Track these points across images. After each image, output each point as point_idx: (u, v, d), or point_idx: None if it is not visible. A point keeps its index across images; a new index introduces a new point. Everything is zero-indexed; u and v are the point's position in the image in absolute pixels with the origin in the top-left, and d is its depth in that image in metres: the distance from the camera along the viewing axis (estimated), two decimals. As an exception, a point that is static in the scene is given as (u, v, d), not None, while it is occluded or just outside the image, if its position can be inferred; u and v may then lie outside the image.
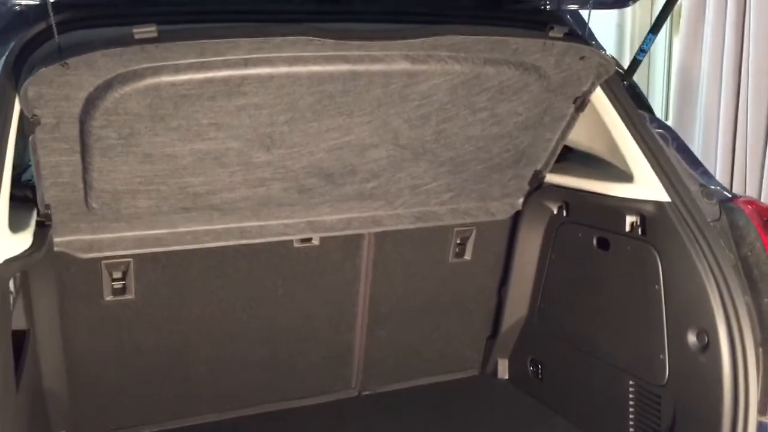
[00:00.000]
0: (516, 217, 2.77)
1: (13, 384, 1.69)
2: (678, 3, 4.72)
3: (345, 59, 1.92)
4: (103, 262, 2.32)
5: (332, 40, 1.84)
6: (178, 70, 1.79)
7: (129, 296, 2.40)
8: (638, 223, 2.26)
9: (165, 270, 2.42)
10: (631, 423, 2.30)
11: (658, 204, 2.17)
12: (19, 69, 1.79)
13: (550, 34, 2.04)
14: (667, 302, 2.14)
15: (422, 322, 2.86)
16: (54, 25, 1.69)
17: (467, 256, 2.83)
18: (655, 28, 2.39)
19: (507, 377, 2.94)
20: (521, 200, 2.71)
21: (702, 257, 2.04)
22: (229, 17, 1.95)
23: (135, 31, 1.66)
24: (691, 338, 2.06)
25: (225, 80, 1.85)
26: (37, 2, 1.81)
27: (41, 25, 1.83)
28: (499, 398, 2.82)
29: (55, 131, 1.85)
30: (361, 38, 1.87)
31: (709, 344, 2.00)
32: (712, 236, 2.06)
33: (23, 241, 1.82)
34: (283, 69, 1.88)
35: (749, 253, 2.04)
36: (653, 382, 2.19)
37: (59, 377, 2.29)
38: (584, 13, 2.40)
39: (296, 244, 2.55)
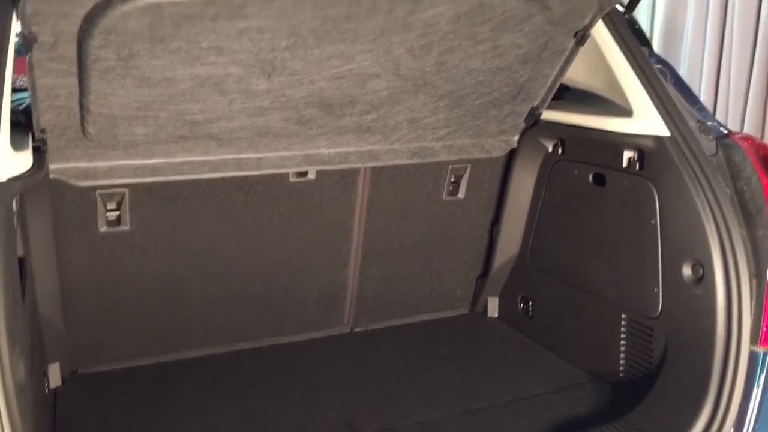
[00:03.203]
0: (510, 156, 2.78)
1: (20, 297, 1.68)
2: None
3: None
4: (98, 191, 2.29)
5: None
6: None
7: (124, 227, 2.37)
8: (635, 158, 2.27)
9: (160, 202, 2.40)
10: (622, 356, 2.34)
11: (657, 138, 2.18)
12: None
13: None
14: (663, 236, 2.16)
15: (414, 260, 2.88)
16: None
17: (461, 194, 2.83)
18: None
19: (497, 315, 2.98)
20: (516, 137, 2.71)
21: (700, 191, 2.06)
22: None
23: None
24: (686, 271, 2.09)
25: (227, 1, 1.81)
26: None
27: None
28: (490, 335, 2.86)
29: (53, 51, 1.80)
30: None
31: (703, 276, 2.03)
32: (710, 170, 2.08)
33: (24, 160, 1.78)
34: None
35: (745, 188, 2.07)
36: (646, 314, 2.23)
37: (54, 307, 2.28)
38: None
39: (292, 179, 2.53)
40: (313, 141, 2.39)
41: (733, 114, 4.68)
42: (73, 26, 1.76)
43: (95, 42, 1.79)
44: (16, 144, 1.76)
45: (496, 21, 2.12)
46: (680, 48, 4.99)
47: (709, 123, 2.25)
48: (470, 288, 3.02)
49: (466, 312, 3.04)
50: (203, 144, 2.24)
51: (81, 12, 1.73)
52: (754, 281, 1.98)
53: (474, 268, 2.99)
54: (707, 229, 2.02)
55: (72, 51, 1.82)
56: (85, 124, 2.03)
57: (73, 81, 1.91)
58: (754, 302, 1.97)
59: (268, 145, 2.34)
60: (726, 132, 2.24)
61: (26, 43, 1.75)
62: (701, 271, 2.04)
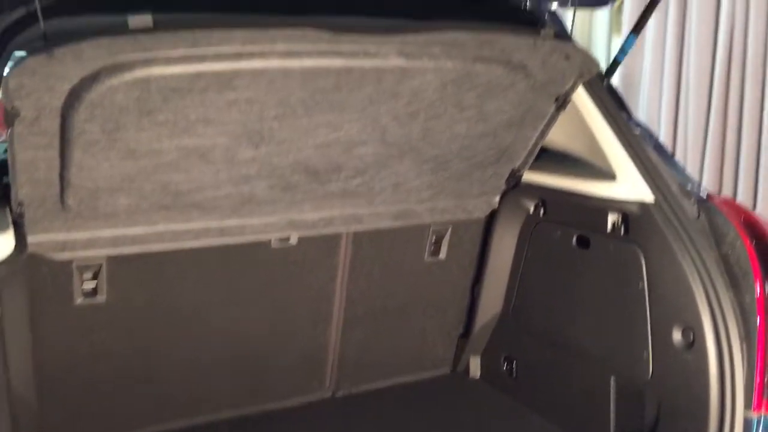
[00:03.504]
0: (491, 216, 2.78)
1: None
2: (620, 2, 4.86)
3: (339, 54, 1.88)
4: (75, 262, 2.21)
5: (328, 34, 1.80)
6: (169, 62, 1.71)
7: (100, 298, 2.29)
8: (620, 222, 2.29)
9: (138, 271, 2.33)
10: (612, 419, 2.33)
11: (642, 204, 2.20)
12: None
13: (541, 33, 2.05)
14: (651, 300, 2.17)
15: (396, 322, 2.84)
16: (39, 10, 1.59)
17: (442, 255, 2.82)
18: (636, 29, 2.42)
19: (479, 375, 2.95)
20: (497, 198, 2.71)
21: (687, 256, 2.08)
22: (218, 6, 1.88)
23: (130, 20, 1.57)
24: (676, 336, 2.09)
25: (217, 74, 1.78)
26: None
27: (21, 11, 1.72)
28: (474, 397, 2.82)
29: (35, 124, 1.74)
30: (359, 32, 1.83)
31: (694, 341, 2.03)
32: (696, 235, 2.10)
33: (7, 242, 1.71)
34: (275, 63, 1.83)
35: (730, 252, 2.09)
36: (636, 378, 2.23)
37: (27, 383, 2.17)
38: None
39: (274, 244, 2.49)
40: (297, 206, 2.35)
41: (692, 166, 4.79)
42: (58, 100, 1.71)
43: (80, 116, 1.75)
44: None
45: (481, 89, 2.13)
46: (637, 100, 5.11)
47: (689, 186, 2.29)
48: (452, 347, 2.99)
49: (448, 372, 3.00)
50: (186, 212, 2.19)
51: (66, 86, 1.69)
52: (744, 345, 2.00)
53: (456, 327, 2.97)
54: (696, 294, 2.04)
55: (55, 124, 1.77)
56: (65, 196, 1.97)
57: (54, 154, 1.85)
58: (745, 367, 1.98)
59: (252, 212, 2.30)
60: (706, 195, 2.28)
61: (8, 118, 1.70)
62: (692, 336, 2.04)
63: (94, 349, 2.33)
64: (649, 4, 2.37)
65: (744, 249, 2.07)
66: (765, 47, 4.41)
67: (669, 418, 2.10)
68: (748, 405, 1.96)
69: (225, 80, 1.80)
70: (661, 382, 2.14)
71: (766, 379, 1.98)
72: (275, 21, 1.78)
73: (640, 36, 4.94)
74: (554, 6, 2.37)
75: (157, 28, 1.61)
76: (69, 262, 2.20)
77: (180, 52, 1.70)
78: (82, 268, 2.24)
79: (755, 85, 4.46)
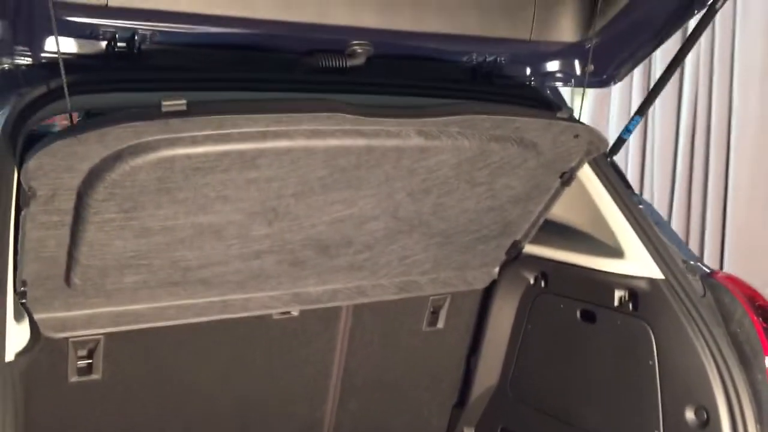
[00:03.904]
0: (490, 286, 2.76)
1: None
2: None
3: (362, 134, 1.87)
4: (71, 339, 2.11)
5: (354, 115, 1.79)
6: (195, 142, 1.67)
7: (95, 376, 2.19)
8: (627, 298, 2.30)
9: (136, 347, 2.23)
10: (620, 499, 2.31)
11: (651, 281, 2.22)
12: (17, 137, 1.61)
13: (558, 115, 2.08)
14: (662, 378, 2.17)
15: (392, 392, 2.79)
16: (66, 89, 1.53)
17: (440, 324, 2.79)
18: (641, 111, 2.48)
19: (473, 446, 2.90)
20: (497, 269, 2.70)
21: (698, 333, 2.09)
22: (243, 86, 1.86)
23: (164, 103, 1.53)
24: (689, 415, 2.09)
25: (241, 153, 1.75)
26: (44, 61, 1.64)
27: (42, 88, 1.66)
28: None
29: (49, 203, 1.67)
30: (383, 114, 1.83)
31: (709, 421, 2.04)
32: (706, 313, 2.12)
33: (26, 330, 1.62)
34: (301, 142, 1.80)
35: (738, 330, 2.11)
36: (647, 456, 2.22)
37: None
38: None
39: (275, 316, 2.43)
40: (302, 280, 2.31)
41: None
42: (76, 180, 1.65)
43: (98, 195, 1.68)
44: (15, 312, 1.60)
45: (494, 166, 2.14)
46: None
47: (692, 262, 2.32)
48: (446, 417, 2.94)
49: (442, 443, 2.95)
50: (191, 288, 2.12)
51: (86, 166, 1.63)
52: (758, 427, 2.00)
53: (450, 397, 2.92)
54: (709, 372, 2.05)
55: (69, 204, 1.70)
56: (72, 275, 1.88)
57: (65, 232, 1.77)
58: (760, 448, 1.99)
59: (257, 287, 2.24)
60: (709, 271, 2.31)
61: (24, 198, 1.62)
62: (706, 415, 2.05)
63: (89, 427, 2.22)
64: (653, 87, 2.44)
65: (753, 327, 2.10)
66: (729, 117, 4.55)
67: (683, 500, 2.09)
68: (765, 487, 1.97)
69: (248, 159, 1.77)
70: None
71: (779, 460, 1.99)
72: (302, 101, 1.76)
73: (604, 106, 5.10)
74: (560, 84, 2.41)
75: (189, 111, 1.57)
76: (65, 339, 2.10)
77: (207, 132, 1.66)
78: (78, 345, 2.14)
79: (720, 155, 4.58)
